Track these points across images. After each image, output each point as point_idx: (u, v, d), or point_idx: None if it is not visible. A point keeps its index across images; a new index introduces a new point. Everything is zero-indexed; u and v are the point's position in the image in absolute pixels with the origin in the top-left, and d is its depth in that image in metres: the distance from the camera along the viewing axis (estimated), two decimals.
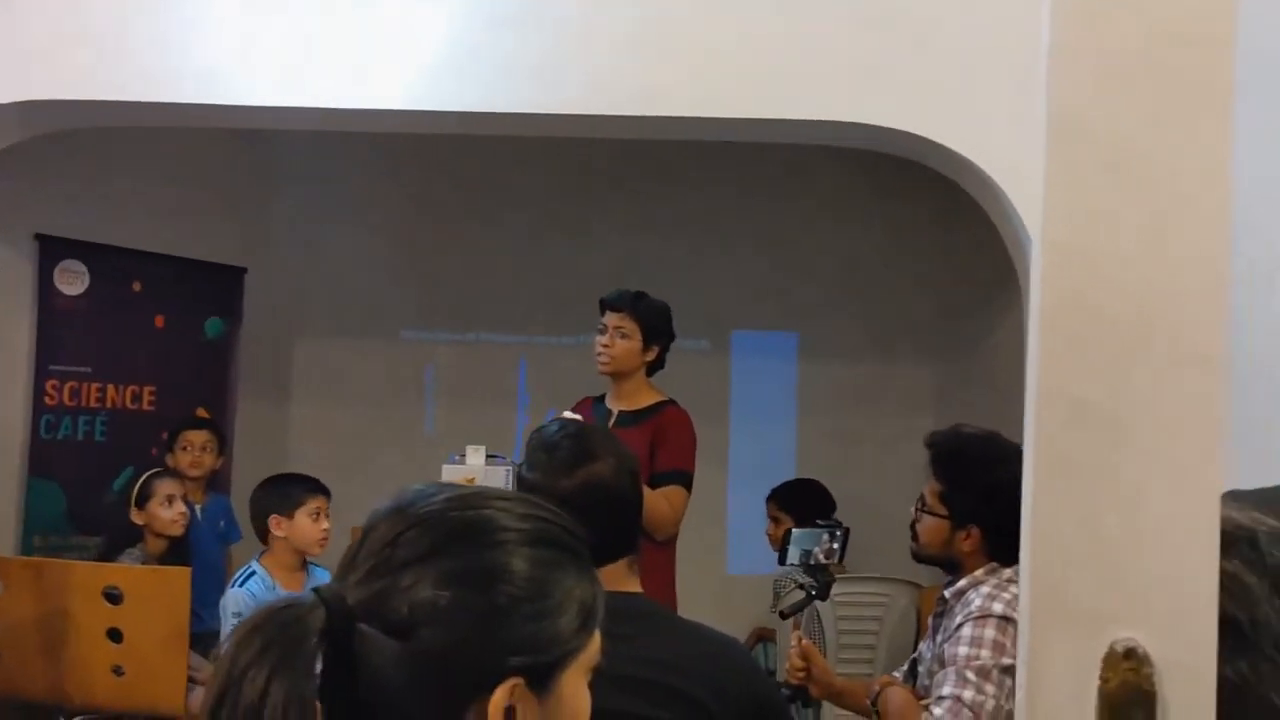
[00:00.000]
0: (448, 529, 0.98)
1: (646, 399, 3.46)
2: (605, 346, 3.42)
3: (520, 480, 1.95)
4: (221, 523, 4.39)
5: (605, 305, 3.47)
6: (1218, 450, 0.90)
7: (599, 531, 1.86)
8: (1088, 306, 0.91)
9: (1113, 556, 0.92)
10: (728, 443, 6.02)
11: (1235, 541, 1.00)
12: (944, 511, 2.54)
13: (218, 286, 5.27)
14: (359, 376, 5.76)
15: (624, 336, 3.41)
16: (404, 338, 6.01)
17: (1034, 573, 0.93)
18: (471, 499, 1.02)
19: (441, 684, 0.93)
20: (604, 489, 1.88)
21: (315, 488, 3.51)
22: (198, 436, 4.44)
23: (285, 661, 0.89)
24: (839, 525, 2.75)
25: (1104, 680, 0.90)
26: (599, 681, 1.78)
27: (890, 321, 5.86)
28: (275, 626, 0.91)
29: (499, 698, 0.94)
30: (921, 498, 2.62)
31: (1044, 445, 0.93)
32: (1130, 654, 0.90)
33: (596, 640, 1.07)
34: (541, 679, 0.98)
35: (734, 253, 5.90)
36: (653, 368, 3.49)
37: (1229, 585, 0.98)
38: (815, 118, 2.67)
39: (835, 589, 4.03)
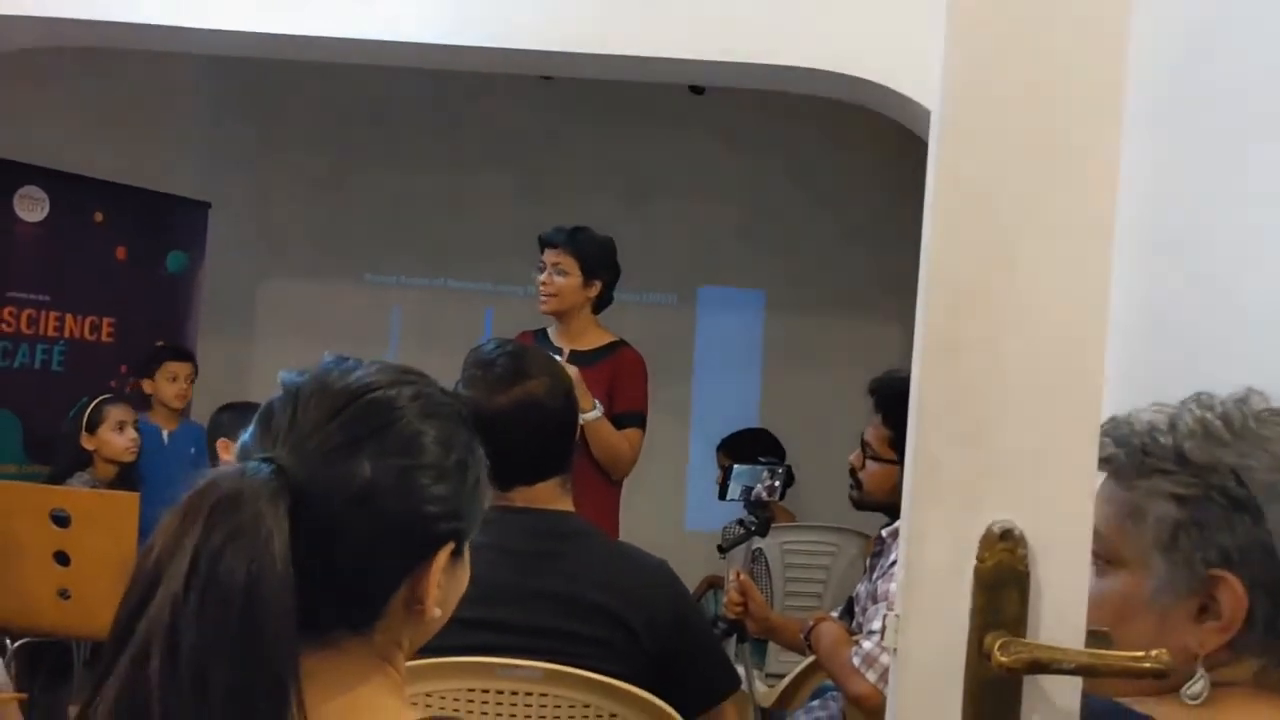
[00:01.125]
0: (389, 403, 0.98)
1: (597, 339, 3.45)
2: (544, 285, 3.40)
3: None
4: (193, 450, 4.39)
5: (542, 243, 3.43)
6: (1101, 338, 0.92)
7: (533, 449, 1.90)
8: (978, 192, 0.92)
9: (993, 441, 0.93)
10: (691, 399, 6.04)
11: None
12: (894, 456, 2.53)
13: (181, 221, 5.23)
14: (323, 317, 5.74)
15: (562, 273, 3.37)
16: (368, 280, 5.98)
17: (917, 457, 0.94)
18: (404, 373, 1.03)
19: (389, 551, 0.95)
20: (538, 407, 1.89)
21: None
22: (183, 368, 4.44)
23: (269, 538, 0.86)
24: (780, 464, 2.77)
25: (980, 560, 0.92)
26: (527, 595, 1.80)
27: (857, 279, 5.87)
28: (248, 494, 0.88)
29: (441, 560, 0.98)
30: (865, 445, 2.61)
31: (931, 331, 0.94)
32: (1006, 535, 0.91)
33: None
34: (460, 548, 1.02)
35: (703, 208, 5.90)
36: (599, 305, 3.47)
37: None
38: (761, 61, 2.69)
39: (784, 537, 4.09)
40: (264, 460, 0.92)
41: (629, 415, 3.37)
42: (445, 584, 1.00)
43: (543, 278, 3.41)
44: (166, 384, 4.38)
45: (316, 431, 0.95)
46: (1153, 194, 2.07)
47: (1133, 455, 1.04)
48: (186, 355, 4.59)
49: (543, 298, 3.41)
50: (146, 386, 4.42)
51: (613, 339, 3.46)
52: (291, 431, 0.96)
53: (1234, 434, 1.01)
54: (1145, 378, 1.35)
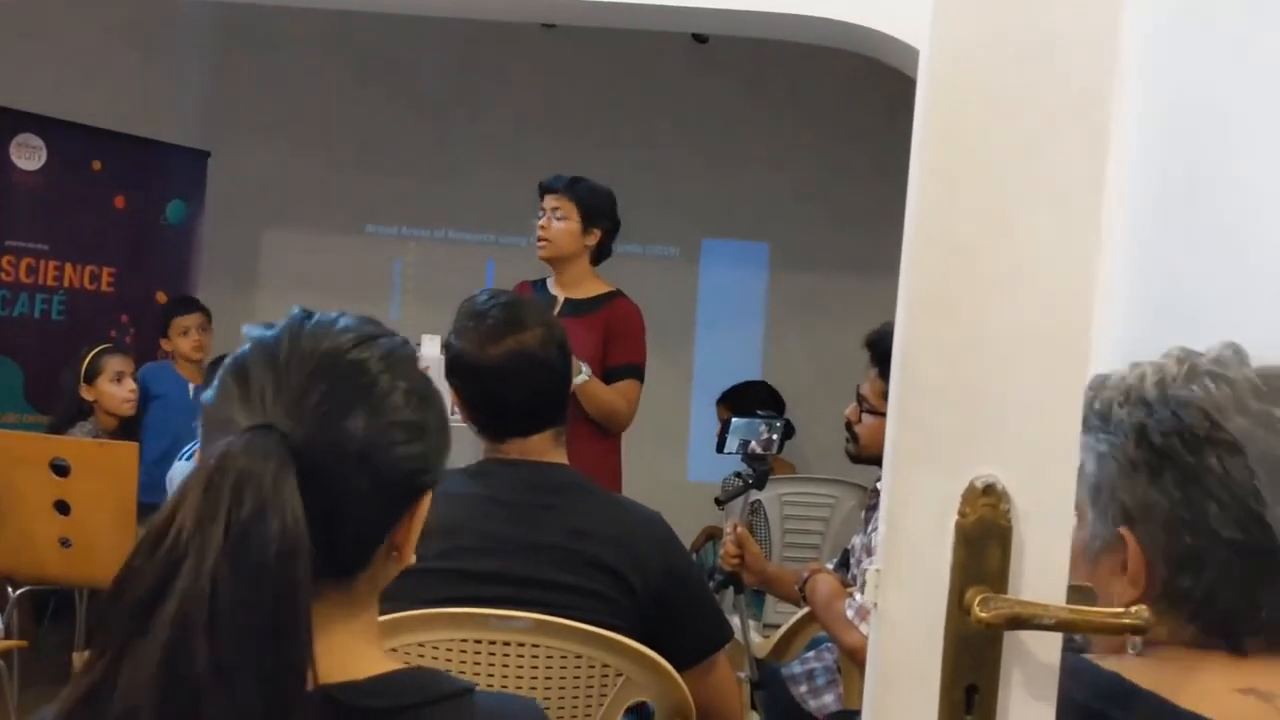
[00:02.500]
0: (365, 365, 0.99)
1: (593, 288, 3.43)
2: (543, 229, 3.38)
3: (447, 348, 1.94)
4: None
5: (542, 189, 3.41)
6: (1090, 292, 0.90)
7: (526, 401, 1.89)
8: (968, 144, 0.90)
9: (977, 396, 0.92)
10: (694, 351, 6.04)
11: None
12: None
13: (181, 169, 5.20)
14: (324, 269, 5.72)
15: (561, 218, 3.35)
16: (369, 232, 5.96)
17: (901, 410, 0.94)
18: (370, 324, 1.04)
19: (382, 506, 0.98)
20: (531, 358, 1.87)
21: None
22: (192, 319, 4.45)
23: (293, 510, 0.88)
24: (778, 417, 2.76)
25: (962, 515, 0.91)
26: (521, 547, 1.81)
27: (861, 232, 5.84)
28: (265, 468, 0.89)
29: (423, 508, 1.02)
30: (861, 399, 2.61)
31: (918, 285, 0.93)
32: (989, 490, 0.91)
33: None
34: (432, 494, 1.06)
35: (707, 160, 5.85)
36: (598, 256, 3.45)
37: None
38: (759, 9, 2.65)
39: (783, 489, 4.10)
40: (265, 428, 0.92)
41: (626, 367, 3.35)
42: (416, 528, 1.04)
43: (541, 222, 3.38)
44: (180, 339, 4.41)
45: (306, 395, 0.95)
46: (1164, 157, 2.04)
47: (1089, 409, 1.05)
48: (194, 306, 4.58)
49: (540, 242, 3.39)
50: (165, 345, 4.46)
51: (609, 289, 3.44)
52: (280, 395, 0.95)
53: (1159, 393, 1.01)
54: (1148, 341, 1.33)
